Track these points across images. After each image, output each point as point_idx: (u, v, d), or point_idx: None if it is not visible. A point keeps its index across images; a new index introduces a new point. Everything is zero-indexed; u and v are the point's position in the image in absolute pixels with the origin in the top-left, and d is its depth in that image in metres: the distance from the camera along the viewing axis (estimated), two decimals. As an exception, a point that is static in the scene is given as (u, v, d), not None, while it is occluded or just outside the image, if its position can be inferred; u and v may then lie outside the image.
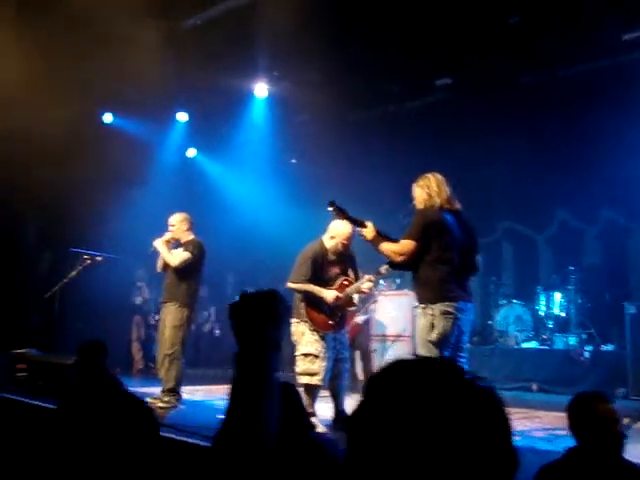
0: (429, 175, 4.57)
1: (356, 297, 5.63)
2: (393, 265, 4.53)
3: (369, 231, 4.36)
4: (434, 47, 7.98)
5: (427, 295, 4.20)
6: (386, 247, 4.27)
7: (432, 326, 4.11)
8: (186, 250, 6.08)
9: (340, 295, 5.00)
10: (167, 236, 6.15)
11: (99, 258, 7.34)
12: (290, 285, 5.08)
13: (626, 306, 7.83)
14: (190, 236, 6.21)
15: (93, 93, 9.07)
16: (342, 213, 4.50)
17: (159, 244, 6.10)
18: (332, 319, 5.01)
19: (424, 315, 4.17)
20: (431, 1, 7.08)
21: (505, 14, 7.42)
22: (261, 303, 1.28)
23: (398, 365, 0.91)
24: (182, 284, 6.04)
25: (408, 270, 4.45)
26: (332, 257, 5.13)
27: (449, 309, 4.12)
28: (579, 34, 7.54)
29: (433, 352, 4.07)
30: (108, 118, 10.33)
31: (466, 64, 8.48)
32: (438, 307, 4.12)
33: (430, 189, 4.45)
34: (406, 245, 4.20)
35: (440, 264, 4.20)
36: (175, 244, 6.27)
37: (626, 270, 9.33)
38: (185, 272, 6.06)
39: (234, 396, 1.23)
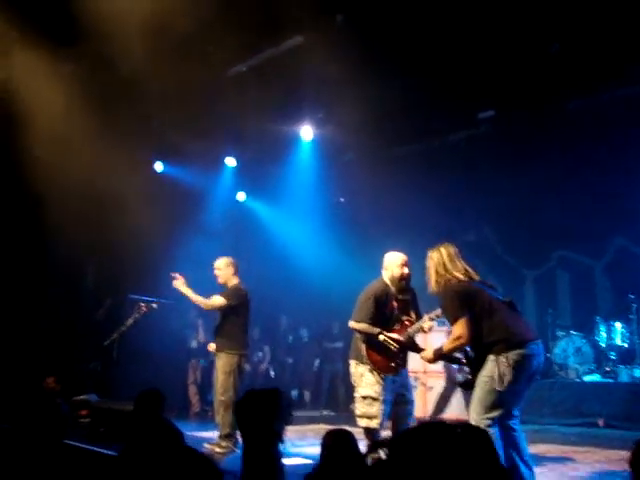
0: (440, 250, 4.34)
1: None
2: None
3: (428, 352, 4.43)
4: (475, 80, 8.00)
5: (492, 344, 4.06)
6: (448, 343, 4.19)
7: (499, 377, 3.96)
8: (222, 295, 6.18)
9: (402, 339, 4.91)
10: (180, 286, 6.21)
11: (155, 305, 7.50)
12: (353, 325, 5.00)
13: (694, 334, 7.53)
14: (235, 280, 6.30)
15: (146, 142, 9.42)
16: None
17: (180, 286, 6.19)
18: (393, 361, 4.92)
19: (494, 366, 3.99)
20: (471, 35, 7.12)
21: (545, 43, 7.40)
22: (267, 401, 1.38)
23: (423, 432, 0.94)
24: (229, 330, 6.15)
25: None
26: (393, 290, 4.98)
27: (518, 356, 3.98)
28: (621, 57, 7.45)
29: (491, 400, 3.96)
30: (159, 167, 10.66)
31: (508, 95, 8.46)
32: (508, 355, 3.98)
33: (442, 266, 4.26)
34: (459, 326, 4.06)
35: (491, 314, 4.09)
36: (222, 288, 6.37)
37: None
38: (227, 318, 6.16)
39: None
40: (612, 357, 8.47)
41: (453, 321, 4.11)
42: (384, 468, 0.94)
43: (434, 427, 0.93)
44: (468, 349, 4.31)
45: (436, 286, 4.26)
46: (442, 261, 4.25)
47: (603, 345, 8.58)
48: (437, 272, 4.23)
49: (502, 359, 3.93)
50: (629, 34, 6.99)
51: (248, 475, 1.37)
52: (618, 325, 8.55)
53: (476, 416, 3.94)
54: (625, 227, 9.30)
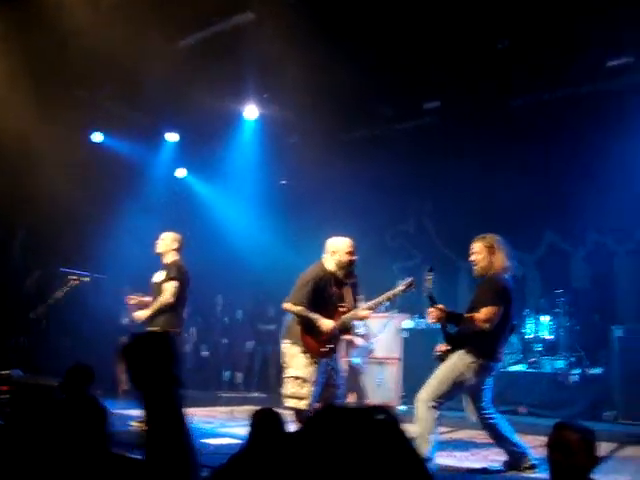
0: (494, 237, 4.69)
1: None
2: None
3: (442, 309, 4.51)
4: (423, 71, 8.08)
5: (476, 345, 4.44)
6: (477, 317, 4.42)
7: (463, 372, 4.41)
8: (170, 279, 5.98)
9: (336, 325, 4.93)
10: (142, 315, 5.98)
11: (86, 278, 7.27)
12: (289, 307, 4.99)
13: (614, 329, 7.86)
14: (174, 257, 6.16)
15: (83, 112, 9.09)
16: (430, 285, 4.63)
17: (142, 316, 5.97)
18: (327, 346, 4.93)
19: (462, 359, 4.43)
20: (420, 26, 7.16)
21: (494, 38, 7.52)
22: (161, 344, 1.31)
23: (332, 413, 0.92)
24: (168, 310, 5.98)
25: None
26: (339, 274, 4.99)
27: (487, 367, 4.47)
28: (566, 59, 7.66)
29: (445, 387, 4.38)
30: (98, 137, 10.32)
31: (454, 88, 8.58)
32: (479, 361, 4.41)
33: (494, 254, 4.59)
34: (491, 311, 4.39)
35: (499, 327, 4.45)
36: (157, 257, 6.20)
37: (614, 293, 9.36)
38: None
39: (153, 435, 1.26)
40: (537, 349, 8.77)
41: (487, 304, 4.40)
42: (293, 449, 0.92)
43: (341, 411, 0.92)
44: (447, 325, 4.62)
45: (485, 269, 4.58)
46: (495, 248, 4.60)
47: (530, 337, 8.87)
48: (488, 259, 4.56)
49: (472, 361, 4.38)
50: (573, 36, 7.19)
51: (153, 429, 1.27)
52: (545, 318, 8.85)
53: (430, 394, 4.36)
54: (556, 223, 9.61)
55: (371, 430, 0.86)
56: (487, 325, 4.35)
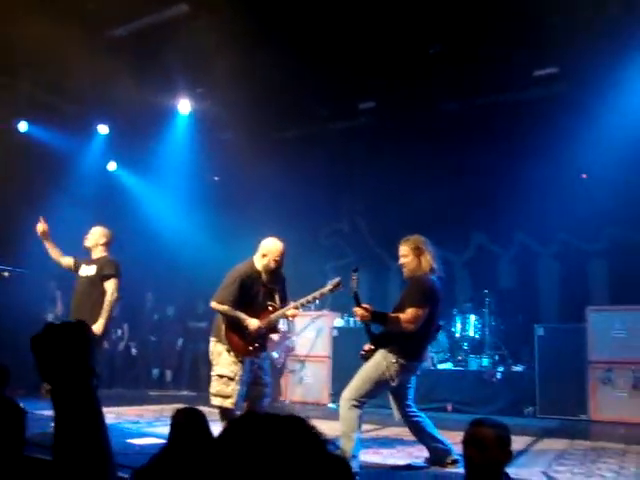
0: (419, 238, 4.73)
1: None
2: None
3: (367, 309, 4.49)
4: (359, 71, 8.16)
5: (398, 345, 4.48)
6: (402, 317, 4.44)
7: (385, 371, 4.45)
8: (110, 277, 5.80)
9: (262, 324, 4.91)
10: (99, 325, 5.72)
11: (6, 273, 6.97)
12: (215, 305, 4.94)
13: (535, 328, 8.18)
14: (103, 253, 5.98)
15: (8, 99, 8.73)
16: (356, 284, 4.59)
17: (100, 327, 5.69)
18: (252, 345, 4.91)
19: (384, 359, 4.47)
20: (357, 28, 7.23)
21: (427, 43, 7.68)
22: (76, 333, 1.22)
23: (252, 420, 0.91)
24: (91, 305, 5.80)
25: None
26: (264, 277, 4.99)
27: (409, 367, 4.53)
28: (495, 66, 7.90)
29: (367, 387, 4.43)
30: (23, 127, 9.92)
31: (389, 89, 8.70)
32: (401, 361, 4.46)
33: (421, 255, 4.64)
34: (415, 313, 4.43)
35: (423, 327, 4.50)
36: (83, 257, 6.05)
37: (537, 293, 9.72)
38: (89, 294, 5.82)
39: (63, 433, 1.16)
40: (464, 347, 9.01)
41: (413, 305, 4.44)
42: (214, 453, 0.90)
43: (258, 419, 0.92)
44: (371, 325, 4.66)
45: (413, 271, 4.63)
46: (421, 249, 4.65)
47: (458, 336, 9.10)
48: (416, 261, 4.62)
49: (394, 361, 4.43)
50: (503, 45, 7.42)
51: (64, 426, 1.16)
52: (472, 318, 9.10)
53: (352, 393, 4.41)
54: (484, 225, 9.89)
55: (290, 440, 0.86)
56: (412, 326, 4.42)
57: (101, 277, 5.81)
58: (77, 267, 6.00)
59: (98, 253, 5.98)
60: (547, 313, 9.39)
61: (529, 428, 6.76)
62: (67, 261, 6.06)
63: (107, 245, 6.04)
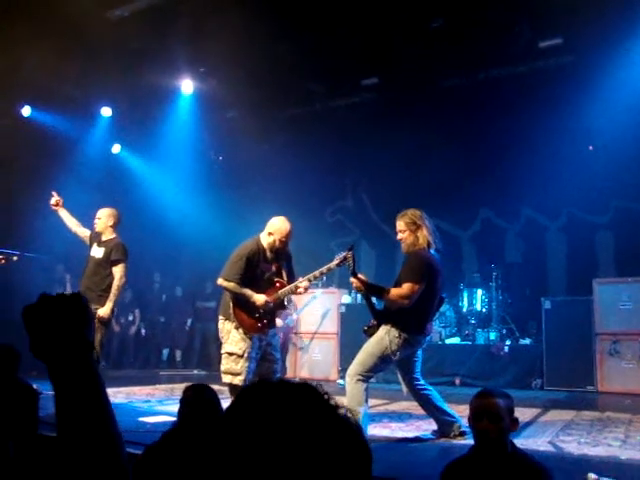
0: (415, 213, 4.70)
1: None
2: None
3: (362, 280, 4.51)
4: (361, 48, 8.08)
5: (401, 320, 4.50)
6: (394, 292, 4.48)
7: (388, 346, 4.48)
8: (118, 262, 5.84)
9: (269, 300, 4.95)
10: (106, 309, 5.77)
11: (15, 257, 7.03)
12: (221, 282, 4.98)
13: (542, 301, 8.20)
14: (112, 234, 6.03)
15: (10, 84, 8.71)
16: (352, 261, 4.57)
17: (107, 311, 5.74)
18: (260, 321, 4.95)
19: (387, 333, 4.50)
20: (359, 4, 7.15)
21: (428, 18, 7.59)
22: (73, 306, 1.13)
23: (263, 387, 0.89)
24: (101, 284, 5.86)
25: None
26: (269, 255, 5.02)
27: (413, 340, 4.55)
28: (499, 39, 7.81)
29: (372, 361, 4.48)
30: (26, 111, 9.92)
31: (392, 65, 8.63)
32: (404, 335, 4.49)
33: (418, 230, 4.63)
34: (411, 288, 4.44)
35: (425, 301, 4.53)
36: (95, 236, 6.06)
37: (544, 267, 9.72)
38: (100, 273, 5.85)
39: (69, 412, 1.08)
40: (472, 322, 9.05)
41: (409, 280, 4.45)
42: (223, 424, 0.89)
43: (271, 386, 0.91)
44: (372, 300, 4.69)
45: (411, 246, 4.63)
46: (418, 224, 4.63)
47: (465, 310, 9.14)
48: (413, 237, 4.61)
49: (397, 335, 4.46)
50: (506, 17, 7.33)
51: (66, 404, 1.08)
52: (479, 292, 9.12)
53: (357, 368, 4.47)
54: (490, 200, 9.85)
55: (301, 404, 0.85)
56: (406, 301, 4.44)
57: (110, 261, 5.86)
58: (90, 243, 6.05)
59: (108, 235, 6.02)
60: (554, 286, 9.39)
61: (536, 400, 6.82)
62: (83, 232, 6.12)
63: (115, 226, 6.08)
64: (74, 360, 1.09)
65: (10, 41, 7.47)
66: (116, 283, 5.80)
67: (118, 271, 5.84)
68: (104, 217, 6.07)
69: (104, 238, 6.01)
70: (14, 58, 8.29)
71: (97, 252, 5.97)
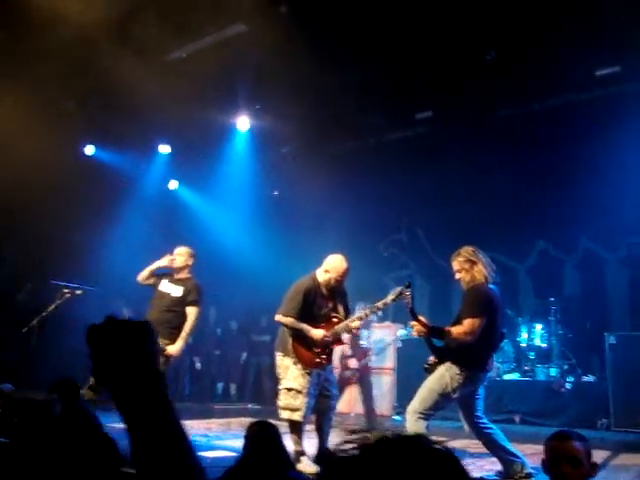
0: (468, 250, 4.68)
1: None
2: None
3: (425, 324, 4.50)
4: (415, 81, 8.12)
5: (462, 356, 4.44)
6: (455, 331, 4.44)
7: (449, 383, 4.42)
8: (194, 304, 5.91)
9: (328, 334, 4.96)
10: (176, 347, 5.83)
11: (79, 291, 7.20)
12: (280, 318, 5.01)
13: (606, 336, 7.89)
14: (189, 274, 6.08)
15: (74, 124, 9.08)
16: (411, 300, 4.57)
17: (178, 349, 5.83)
18: (319, 357, 4.96)
19: (447, 370, 4.44)
20: (411, 37, 7.21)
21: (482, 50, 7.59)
22: (142, 332, 1.07)
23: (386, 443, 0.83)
24: (178, 324, 5.87)
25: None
26: (324, 291, 5.07)
27: (474, 377, 4.48)
28: (555, 68, 7.73)
29: (432, 399, 4.40)
30: (89, 150, 10.31)
31: (446, 98, 8.63)
32: (465, 372, 4.42)
33: (474, 267, 4.60)
34: (472, 324, 4.40)
35: (485, 336, 4.45)
36: (162, 271, 6.07)
37: (605, 300, 9.40)
38: (177, 313, 5.89)
39: (145, 446, 1.01)
40: (531, 357, 8.79)
41: (469, 316, 4.41)
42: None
43: (412, 442, 0.85)
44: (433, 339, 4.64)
45: (470, 283, 4.59)
46: (473, 261, 4.60)
47: (524, 345, 8.89)
48: (469, 274, 4.58)
49: (459, 372, 4.39)
50: (560, 46, 7.25)
51: (141, 438, 1.01)
52: (538, 326, 8.87)
53: (418, 406, 4.41)
54: (547, 231, 9.65)
55: (429, 463, 0.80)
56: (469, 337, 4.39)
57: (187, 301, 5.91)
58: (156, 283, 6.08)
59: (185, 273, 6.07)
60: (616, 320, 9.06)
61: (604, 442, 6.49)
62: (149, 282, 6.12)
63: (192, 266, 6.14)
64: (145, 388, 1.02)
65: (76, 83, 7.83)
66: (190, 324, 5.85)
67: (193, 312, 5.89)
68: (186, 256, 6.10)
69: (181, 276, 6.04)
70: (79, 99, 8.67)
71: (173, 290, 5.99)
